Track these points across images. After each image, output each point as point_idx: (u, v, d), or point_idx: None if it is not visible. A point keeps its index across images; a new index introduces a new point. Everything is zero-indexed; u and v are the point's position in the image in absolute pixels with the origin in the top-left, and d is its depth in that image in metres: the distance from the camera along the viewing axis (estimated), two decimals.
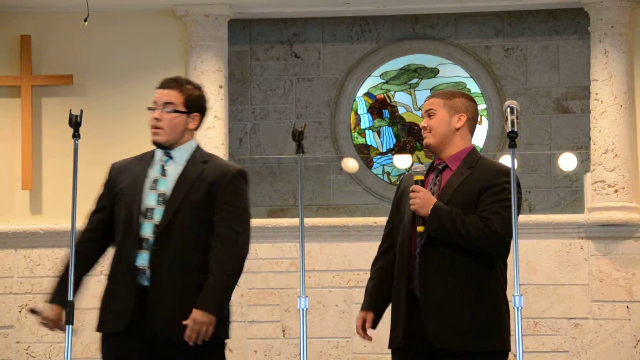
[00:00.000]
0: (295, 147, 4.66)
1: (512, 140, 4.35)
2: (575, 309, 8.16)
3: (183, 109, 4.66)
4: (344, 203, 9.50)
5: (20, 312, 8.38)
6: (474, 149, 4.81)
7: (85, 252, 4.63)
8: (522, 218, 5.38)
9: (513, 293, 4.26)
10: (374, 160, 9.71)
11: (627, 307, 8.14)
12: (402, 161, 9.68)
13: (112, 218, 4.66)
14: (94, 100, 8.45)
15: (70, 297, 4.38)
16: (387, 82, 9.73)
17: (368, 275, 4.92)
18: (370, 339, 4.80)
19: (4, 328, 8.37)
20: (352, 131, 9.67)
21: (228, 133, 8.71)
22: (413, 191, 4.64)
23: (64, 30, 8.58)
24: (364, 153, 9.68)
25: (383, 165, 9.70)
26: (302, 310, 4.52)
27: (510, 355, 4.65)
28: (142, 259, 4.52)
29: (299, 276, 4.63)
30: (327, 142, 9.58)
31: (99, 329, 4.58)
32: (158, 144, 4.66)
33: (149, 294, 4.49)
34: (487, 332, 4.59)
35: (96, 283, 4.90)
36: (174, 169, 4.64)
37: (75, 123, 4.49)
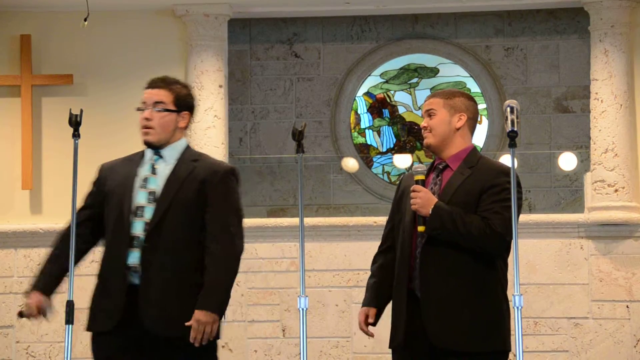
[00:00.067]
0: (295, 147, 4.66)
1: (512, 139, 4.35)
2: (575, 309, 8.16)
3: (173, 108, 4.68)
4: (344, 203, 9.50)
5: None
6: (474, 148, 4.81)
7: (69, 246, 4.61)
8: (522, 218, 5.38)
9: (513, 293, 4.26)
10: (374, 159, 9.71)
11: (627, 306, 8.14)
12: (402, 161, 9.68)
13: (99, 216, 4.65)
14: (94, 100, 8.45)
15: (70, 296, 4.38)
16: (387, 82, 9.73)
17: (368, 275, 4.92)
18: (372, 335, 4.80)
19: (4, 328, 8.37)
20: (352, 131, 9.67)
21: (228, 133, 8.71)
22: (414, 191, 4.64)
23: (64, 30, 8.58)
24: (364, 153, 9.68)
25: (383, 164, 9.70)
26: (302, 309, 4.52)
27: (510, 355, 4.65)
28: (133, 257, 4.53)
29: (299, 276, 4.63)
30: (327, 142, 9.58)
31: (89, 328, 4.58)
32: (149, 144, 4.67)
33: (139, 292, 4.48)
34: (488, 332, 4.59)
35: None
36: (164, 168, 4.65)
37: (75, 123, 4.50)
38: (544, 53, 9.43)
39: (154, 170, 4.65)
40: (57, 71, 8.55)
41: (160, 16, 8.64)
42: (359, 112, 9.73)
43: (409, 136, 9.73)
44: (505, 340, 4.62)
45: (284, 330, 8.30)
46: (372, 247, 5.10)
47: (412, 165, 9.59)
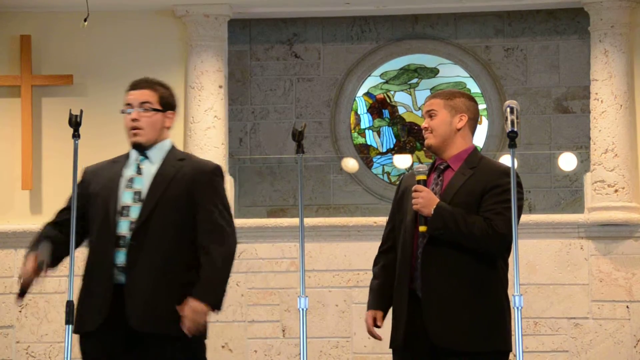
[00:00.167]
0: (295, 147, 4.67)
1: (512, 140, 4.35)
2: (575, 309, 8.16)
3: (159, 107, 4.70)
4: (344, 203, 9.50)
5: (20, 312, 8.38)
6: (475, 149, 4.81)
7: (52, 232, 4.63)
8: (522, 218, 5.38)
9: (513, 293, 4.26)
10: (374, 160, 9.71)
11: (627, 307, 8.14)
12: (402, 161, 9.67)
13: (82, 217, 4.62)
14: (94, 100, 8.45)
15: (70, 296, 4.38)
16: (387, 82, 9.73)
17: (368, 275, 4.92)
18: (380, 338, 4.80)
19: (4, 328, 8.37)
20: (352, 131, 9.67)
21: (228, 133, 8.71)
22: (415, 191, 4.64)
23: (64, 30, 8.58)
24: (364, 153, 9.68)
25: (383, 165, 9.69)
26: (302, 310, 4.52)
27: (510, 355, 4.65)
28: (119, 257, 4.53)
29: (299, 276, 4.64)
30: (327, 142, 9.58)
31: (76, 330, 4.54)
32: (138, 145, 4.68)
33: (125, 290, 4.48)
34: (489, 332, 4.59)
35: None
36: (150, 168, 4.67)
37: (75, 123, 4.51)
38: (544, 53, 9.43)
39: (139, 171, 4.67)
40: (57, 71, 8.55)
41: (160, 16, 8.64)
42: (359, 112, 9.73)
43: (409, 137, 9.73)
44: (506, 340, 4.62)
45: (284, 331, 8.30)
46: (372, 247, 5.10)
47: (412, 165, 9.59)
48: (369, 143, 9.73)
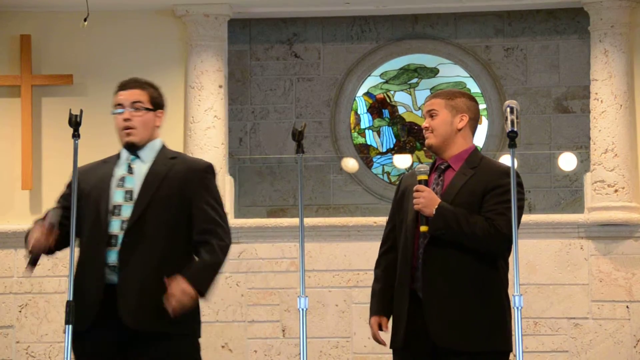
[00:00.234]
0: (295, 147, 4.67)
1: (512, 140, 4.35)
2: (575, 309, 8.16)
3: (150, 107, 4.72)
4: (344, 203, 9.50)
5: (20, 312, 8.38)
6: (476, 149, 4.82)
7: (58, 211, 4.61)
8: (523, 218, 5.38)
9: (513, 293, 4.26)
10: (374, 160, 9.71)
11: (627, 307, 8.14)
12: (402, 161, 9.67)
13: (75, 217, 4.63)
14: (94, 100, 8.45)
15: (70, 296, 4.37)
16: (387, 82, 9.73)
17: (368, 275, 4.93)
18: (385, 343, 4.79)
19: (4, 328, 8.37)
20: (352, 131, 9.67)
21: (228, 133, 8.71)
22: (417, 191, 4.63)
23: (64, 30, 8.58)
24: (364, 153, 9.68)
25: (383, 165, 9.69)
26: (302, 310, 4.52)
27: (510, 355, 4.65)
28: (111, 256, 4.53)
29: (298, 276, 4.64)
30: (327, 142, 9.58)
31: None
32: (131, 145, 4.69)
33: (118, 289, 4.48)
34: (490, 332, 4.59)
35: None
36: (141, 167, 4.67)
37: (75, 123, 4.51)
38: (544, 53, 9.43)
39: (130, 170, 4.67)
40: (57, 71, 8.55)
41: (160, 16, 8.64)
42: (358, 112, 9.73)
43: (408, 136, 9.73)
44: (506, 340, 4.62)
45: (284, 331, 8.30)
46: (372, 247, 5.10)
47: (412, 165, 9.59)
48: (369, 143, 9.72)
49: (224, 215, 4.68)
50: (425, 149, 9.39)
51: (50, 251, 4.63)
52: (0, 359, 8.30)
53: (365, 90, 9.71)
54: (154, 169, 4.65)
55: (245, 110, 9.57)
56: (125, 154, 4.72)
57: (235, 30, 9.26)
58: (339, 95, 9.59)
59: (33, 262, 4.58)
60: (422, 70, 9.69)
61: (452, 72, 9.61)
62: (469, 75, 9.56)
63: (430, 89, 9.55)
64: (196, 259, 4.59)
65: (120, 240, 4.53)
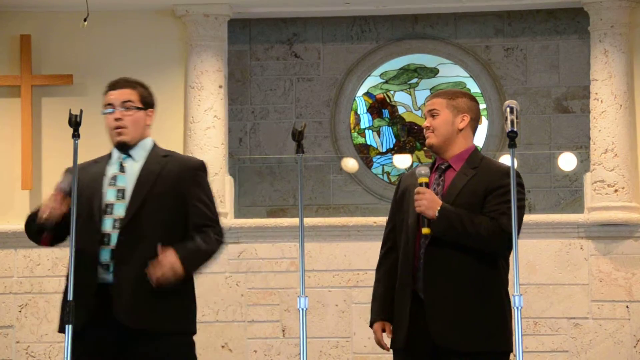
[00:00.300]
0: (295, 147, 4.66)
1: (511, 140, 4.34)
2: (575, 309, 8.16)
3: (141, 105, 4.73)
4: (344, 203, 9.50)
5: (20, 312, 8.38)
6: (476, 149, 4.81)
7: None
8: (523, 218, 5.40)
9: (513, 293, 4.26)
10: (374, 160, 9.71)
11: (627, 307, 8.14)
12: (402, 161, 9.67)
13: (64, 217, 4.61)
14: (94, 100, 8.36)
15: (69, 297, 4.37)
16: (387, 82, 9.73)
17: (368, 275, 4.93)
18: (389, 349, 4.79)
19: (4, 328, 8.37)
20: (352, 131, 9.67)
21: (228, 133, 8.71)
22: (418, 193, 4.63)
23: (64, 30, 8.58)
24: (364, 153, 9.68)
25: (383, 165, 9.69)
26: (302, 310, 4.52)
27: (510, 355, 4.65)
28: (104, 255, 4.53)
29: (298, 276, 4.64)
30: (327, 142, 9.58)
31: (60, 330, 4.52)
32: (123, 144, 4.69)
33: (112, 288, 4.48)
34: (491, 332, 4.59)
35: None
36: (133, 166, 4.68)
37: (75, 123, 4.51)
38: (543, 53, 9.43)
39: (122, 169, 4.68)
40: (57, 71, 8.55)
41: (160, 16, 8.64)
42: (358, 112, 9.73)
43: (408, 136, 9.73)
44: (507, 340, 4.62)
45: (283, 331, 8.30)
46: (372, 247, 5.10)
47: (412, 165, 9.59)
48: (368, 143, 9.72)
49: (217, 213, 4.70)
50: (425, 149, 9.39)
51: (56, 232, 4.63)
52: (0, 359, 8.30)
53: (365, 90, 9.71)
54: (147, 167, 4.66)
55: (245, 110, 9.57)
56: (116, 154, 4.73)
57: (235, 30, 9.26)
58: (339, 95, 9.59)
59: (51, 230, 4.61)
60: (422, 70, 9.69)
61: (452, 72, 9.61)
62: (469, 75, 9.56)
63: (430, 89, 9.55)
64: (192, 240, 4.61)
65: (113, 239, 4.53)
